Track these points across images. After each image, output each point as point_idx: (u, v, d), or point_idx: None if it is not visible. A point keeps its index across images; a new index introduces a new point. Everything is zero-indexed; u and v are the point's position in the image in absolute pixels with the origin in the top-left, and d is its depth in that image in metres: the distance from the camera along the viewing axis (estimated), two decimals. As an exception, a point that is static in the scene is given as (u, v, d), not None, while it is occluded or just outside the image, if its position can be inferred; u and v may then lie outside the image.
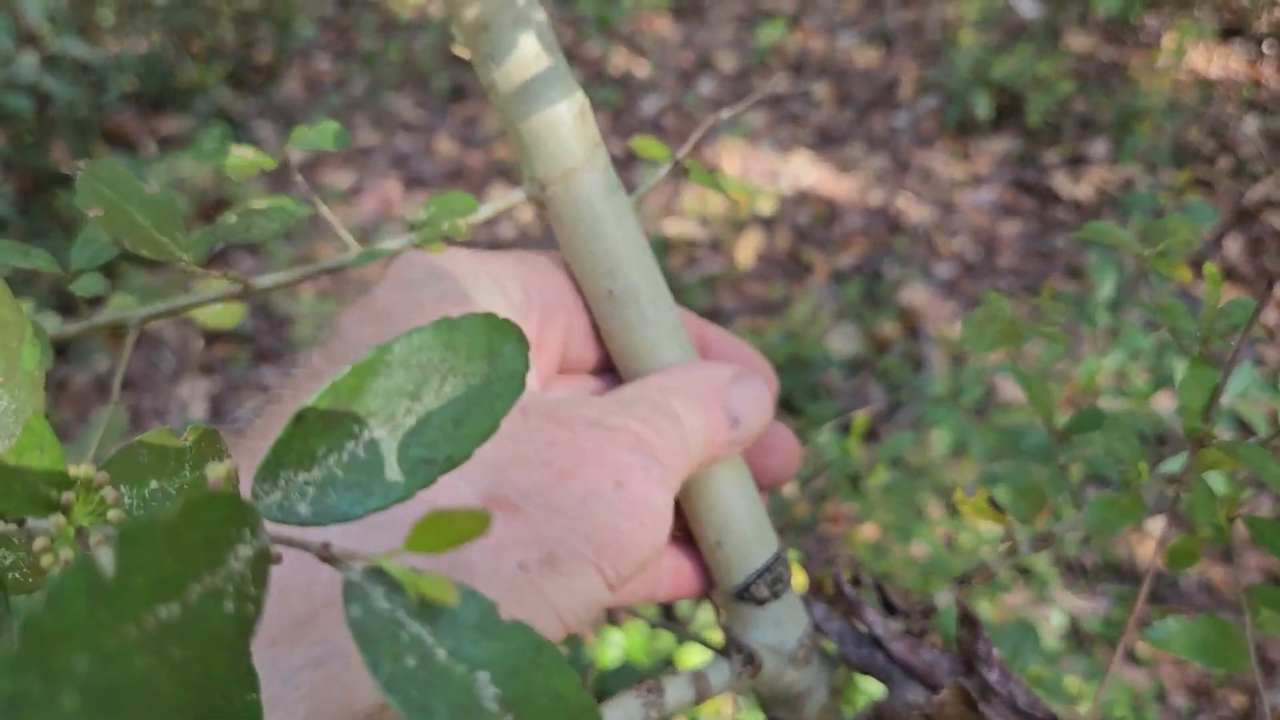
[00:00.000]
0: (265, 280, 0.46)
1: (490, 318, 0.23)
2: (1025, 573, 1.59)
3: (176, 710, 0.16)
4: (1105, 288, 1.05)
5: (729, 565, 0.48)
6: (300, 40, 2.95)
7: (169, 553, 0.17)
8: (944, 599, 0.46)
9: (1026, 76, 2.59)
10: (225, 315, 0.55)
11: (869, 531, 1.74)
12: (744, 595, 0.48)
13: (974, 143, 2.63)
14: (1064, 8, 2.84)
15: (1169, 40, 2.66)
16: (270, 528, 0.21)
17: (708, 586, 0.52)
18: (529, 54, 0.43)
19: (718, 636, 0.54)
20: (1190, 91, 2.56)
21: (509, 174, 2.67)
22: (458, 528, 0.20)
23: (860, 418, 0.90)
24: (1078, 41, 2.81)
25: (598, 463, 0.39)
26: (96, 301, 0.48)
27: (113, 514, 0.22)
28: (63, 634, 0.15)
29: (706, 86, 2.92)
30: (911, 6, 3.10)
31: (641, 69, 2.99)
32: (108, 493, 0.22)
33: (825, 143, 2.70)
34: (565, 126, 0.44)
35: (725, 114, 0.52)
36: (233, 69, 2.87)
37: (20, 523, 0.22)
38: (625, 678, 0.80)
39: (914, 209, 2.47)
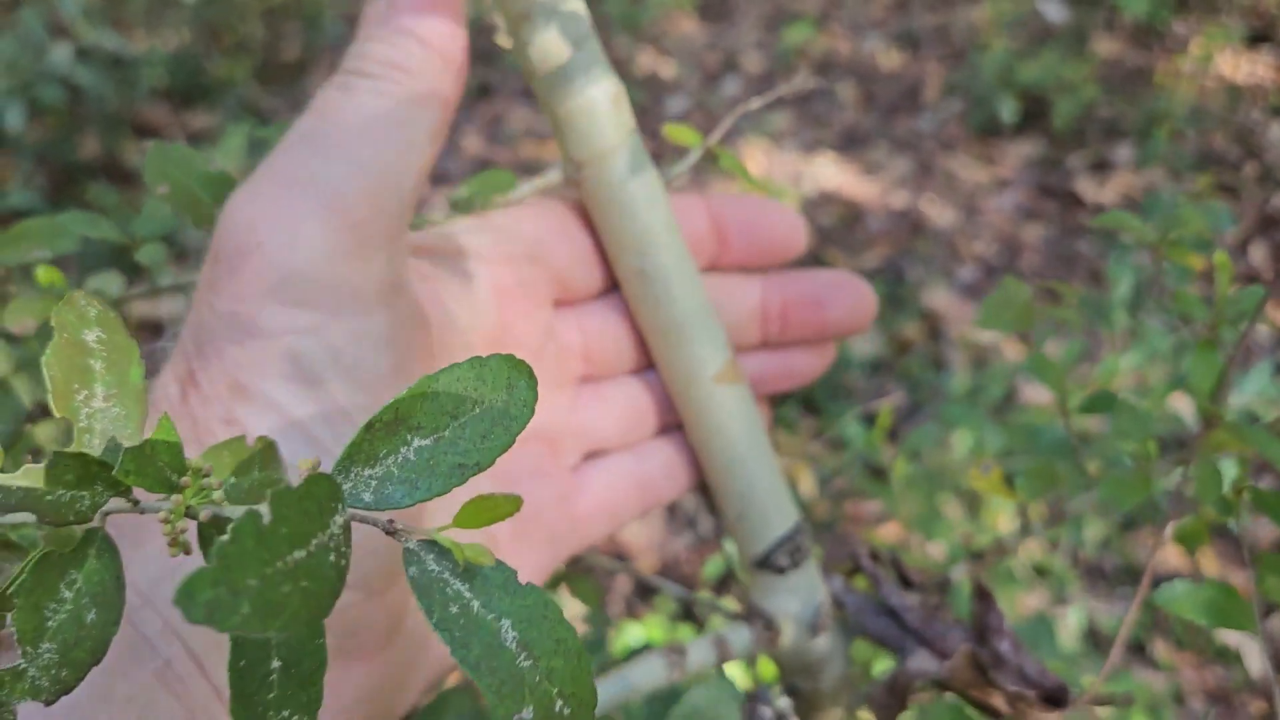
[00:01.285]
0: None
1: (510, 359, 0.30)
2: (1044, 574, 1.59)
3: (303, 625, 0.23)
4: (1122, 288, 1.05)
5: (751, 534, 0.50)
6: (329, 37, 2.97)
7: (299, 513, 0.23)
8: (958, 573, 0.47)
9: (1052, 80, 2.59)
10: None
11: (889, 532, 1.74)
12: (765, 564, 0.50)
13: (998, 146, 2.63)
14: (1091, 13, 2.83)
15: (1196, 46, 2.66)
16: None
17: (694, 481, 0.54)
18: (566, 41, 0.45)
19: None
20: (1217, 97, 2.55)
21: (536, 172, 2.68)
22: (495, 508, 0.27)
23: (885, 408, 0.91)
24: (1104, 46, 2.80)
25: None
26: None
27: (217, 495, 0.28)
28: (240, 561, 0.21)
29: (732, 87, 2.93)
30: (938, 10, 3.10)
31: (667, 69, 3.00)
32: (211, 481, 0.28)
33: (849, 144, 2.70)
34: (600, 110, 0.47)
35: (755, 103, 0.54)
36: (261, 65, 2.89)
37: (135, 501, 0.28)
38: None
39: (937, 212, 2.48)
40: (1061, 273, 2.30)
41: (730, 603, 1.62)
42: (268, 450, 0.30)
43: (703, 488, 0.54)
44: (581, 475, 0.53)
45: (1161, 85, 2.61)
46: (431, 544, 0.28)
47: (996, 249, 2.39)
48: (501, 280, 0.49)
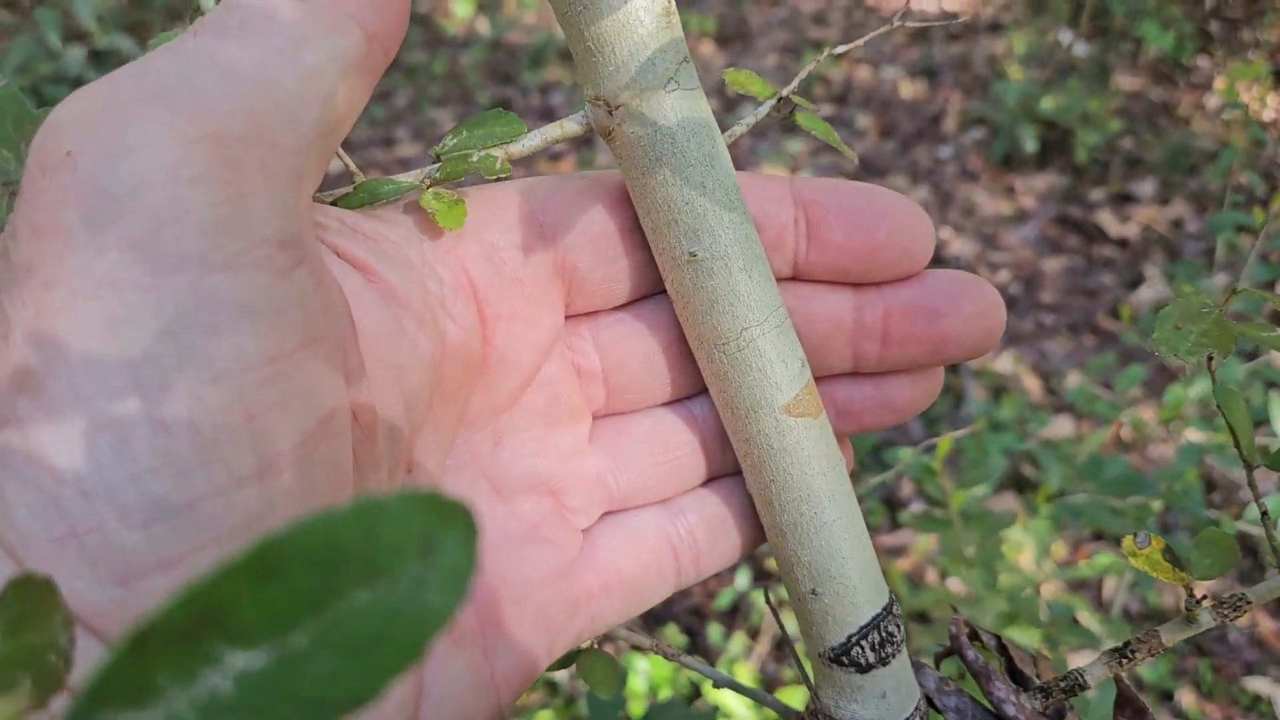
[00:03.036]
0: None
1: (431, 498, 0.15)
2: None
3: None
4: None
5: (825, 617, 0.38)
6: (344, 51, 2.94)
7: None
8: (1095, 674, 0.37)
9: (1075, 113, 2.56)
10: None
11: (905, 565, 1.70)
12: (842, 658, 0.38)
13: (1019, 178, 2.60)
14: (1114, 46, 2.81)
15: (1221, 82, 2.63)
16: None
17: (751, 545, 0.42)
18: None
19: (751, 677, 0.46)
20: (1242, 133, 2.52)
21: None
22: None
23: (944, 439, 0.85)
24: (1127, 81, 2.78)
25: None
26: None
27: None
28: None
29: (750, 113, 2.90)
30: (959, 40, 3.08)
31: (684, 92, 2.97)
32: None
33: (868, 173, 2.67)
34: (643, 28, 0.33)
35: (841, 49, 0.42)
36: (276, 76, 2.87)
37: None
38: (674, 713, 0.76)
39: (956, 242, 2.44)
40: (1082, 305, 2.26)
41: (739, 638, 1.57)
42: (41, 595, 0.18)
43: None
44: (596, 539, 0.41)
45: (1185, 121, 2.58)
46: None
47: (1016, 281, 2.35)
48: (480, 277, 0.37)
